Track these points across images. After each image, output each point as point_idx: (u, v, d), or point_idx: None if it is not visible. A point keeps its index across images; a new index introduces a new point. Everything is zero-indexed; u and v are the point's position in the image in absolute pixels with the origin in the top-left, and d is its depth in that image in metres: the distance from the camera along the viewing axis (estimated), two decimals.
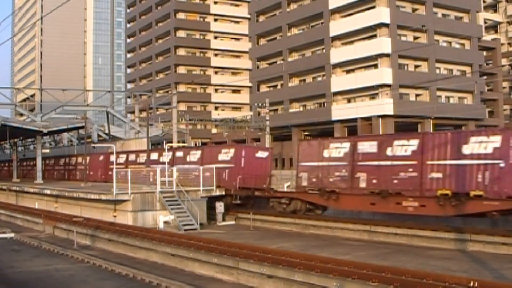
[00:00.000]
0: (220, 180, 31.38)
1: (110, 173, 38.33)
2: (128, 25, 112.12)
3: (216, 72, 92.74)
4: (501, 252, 18.97)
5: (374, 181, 24.56)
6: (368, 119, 58.05)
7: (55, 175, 54.50)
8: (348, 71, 63.63)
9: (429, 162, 22.73)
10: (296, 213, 28.30)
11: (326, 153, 27.01)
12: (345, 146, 26.27)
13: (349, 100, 63.32)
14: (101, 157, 45.16)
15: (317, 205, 28.16)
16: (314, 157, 27.52)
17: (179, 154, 36.77)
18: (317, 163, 27.36)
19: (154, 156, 38.79)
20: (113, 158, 41.90)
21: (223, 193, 30.55)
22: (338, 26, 63.18)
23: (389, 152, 24.17)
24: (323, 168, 26.91)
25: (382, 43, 58.46)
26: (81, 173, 46.66)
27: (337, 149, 26.56)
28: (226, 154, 32.45)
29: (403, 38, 60.81)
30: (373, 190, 24.49)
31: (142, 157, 39.21)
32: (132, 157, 41.80)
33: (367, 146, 25.32)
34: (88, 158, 45.83)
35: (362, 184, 25.06)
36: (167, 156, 35.84)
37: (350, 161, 25.76)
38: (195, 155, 34.95)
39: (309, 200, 28.12)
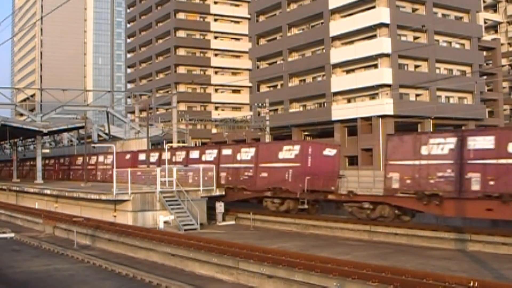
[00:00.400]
0: (281, 182, 28.23)
1: (138, 173, 34.16)
2: (128, 25, 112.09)
3: (216, 72, 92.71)
4: (501, 252, 18.98)
5: (492, 182, 20.88)
6: (368, 119, 58.03)
7: (71, 175, 50.85)
8: (348, 71, 63.61)
9: None
10: (375, 220, 24.79)
11: (424, 150, 23.03)
12: (450, 142, 22.50)
13: (349, 100, 63.30)
14: (128, 156, 41.41)
15: (406, 210, 24.52)
16: (409, 154, 23.62)
17: (227, 152, 32.80)
18: (412, 161, 23.43)
19: (194, 154, 35.22)
20: (142, 156, 39.19)
21: (223, 193, 30.43)
22: (338, 26, 63.16)
23: (511, 148, 20.61)
24: (421, 168, 22.99)
25: (382, 43, 58.45)
26: (102, 173, 44.54)
27: (439, 145, 22.66)
28: (289, 151, 28.64)
29: (403, 38, 60.79)
30: (490, 193, 20.84)
31: (179, 156, 35.91)
32: (165, 156, 37.15)
33: (481, 142, 21.55)
34: (117, 155, 42.29)
35: (475, 187, 21.31)
36: (211, 155, 32.97)
37: (457, 159, 21.99)
38: (247, 153, 31.13)
39: (401, 205, 24.20)
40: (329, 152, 29.60)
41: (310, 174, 27.47)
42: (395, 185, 24.03)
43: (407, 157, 23.73)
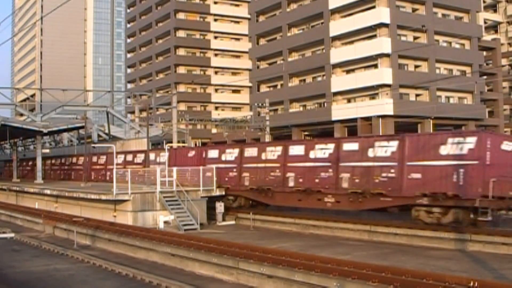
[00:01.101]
0: (446, 185, 21.64)
1: (209, 174, 29.94)
2: (128, 25, 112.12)
3: (216, 72, 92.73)
4: (501, 252, 18.97)
5: None
6: (368, 119, 58.04)
7: (93, 176, 45.50)
8: (348, 71, 63.62)
9: None
10: None
11: None
12: None
13: (349, 100, 63.31)
14: (192, 153, 35.26)
15: None
16: None
17: (350, 147, 25.72)
18: None
19: (296, 151, 27.73)
20: (213, 153, 33.31)
21: (223, 193, 30.32)
22: (338, 26, 63.17)
23: None
24: None
25: (382, 43, 58.45)
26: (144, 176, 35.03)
27: None
28: (458, 145, 21.80)
29: (403, 38, 60.80)
30: None
31: (273, 153, 29.03)
32: (251, 152, 30.57)
33: None
34: (172, 153, 37.11)
35: None
36: (323, 151, 26.52)
37: None
38: (385, 148, 24.30)
39: None
40: (507, 146, 22.99)
41: (490, 175, 21.19)
42: None
43: None
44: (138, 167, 37.46)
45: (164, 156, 34.53)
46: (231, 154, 31.57)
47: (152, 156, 38.11)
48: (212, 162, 31.99)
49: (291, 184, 27.06)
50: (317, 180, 25.93)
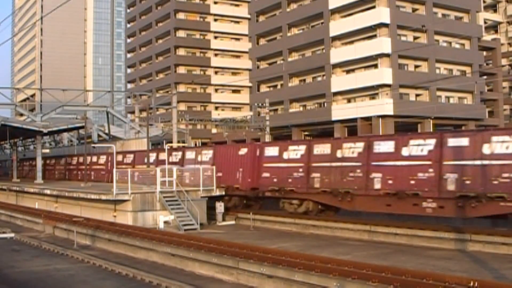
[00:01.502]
0: None
1: (266, 174, 27.49)
2: (128, 25, 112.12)
3: (216, 72, 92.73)
4: (501, 252, 18.97)
5: None
6: (368, 119, 58.02)
7: (108, 177, 42.04)
8: (348, 71, 63.62)
9: None
10: None
11: None
12: None
13: (349, 100, 63.31)
14: (243, 151, 30.50)
15: None
16: None
17: (459, 142, 21.49)
18: None
19: (386, 147, 23.77)
20: (271, 151, 29.15)
21: (223, 193, 30.29)
22: (338, 26, 63.17)
23: None
24: None
25: (382, 43, 58.45)
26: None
27: None
28: None
29: (403, 38, 60.80)
30: None
31: (352, 150, 25.06)
32: (322, 149, 26.47)
33: None
34: (218, 151, 32.86)
35: None
36: (421, 148, 22.47)
37: None
38: (508, 144, 19.86)
39: None
40: None
41: None
42: None
43: None
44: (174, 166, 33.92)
45: (207, 155, 31.42)
46: (296, 151, 27.77)
47: (192, 155, 34.68)
48: (270, 161, 28.85)
49: (377, 186, 23.44)
50: (412, 182, 22.26)
